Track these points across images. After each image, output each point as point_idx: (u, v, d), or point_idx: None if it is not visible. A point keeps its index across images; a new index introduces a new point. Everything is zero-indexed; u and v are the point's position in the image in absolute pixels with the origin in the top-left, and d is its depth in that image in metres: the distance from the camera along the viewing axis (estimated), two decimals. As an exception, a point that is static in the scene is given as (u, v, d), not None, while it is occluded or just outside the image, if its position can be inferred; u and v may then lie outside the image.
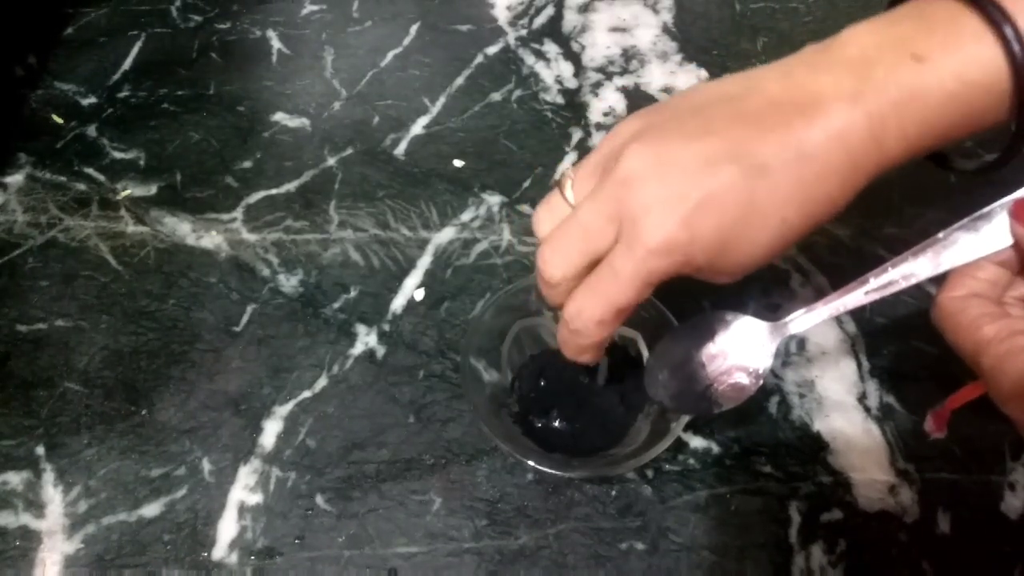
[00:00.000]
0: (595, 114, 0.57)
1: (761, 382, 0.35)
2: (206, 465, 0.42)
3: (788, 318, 0.35)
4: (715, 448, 0.42)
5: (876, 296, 0.33)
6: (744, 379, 0.36)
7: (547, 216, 0.35)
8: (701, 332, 0.37)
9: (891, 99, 0.29)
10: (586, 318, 0.32)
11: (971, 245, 0.31)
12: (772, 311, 0.46)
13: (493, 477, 0.41)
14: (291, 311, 0.48)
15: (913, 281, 0.32)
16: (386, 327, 0.47)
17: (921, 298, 0.46)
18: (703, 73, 0.59)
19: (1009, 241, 0.31)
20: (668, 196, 0.30)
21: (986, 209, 0.31)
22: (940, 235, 0.32)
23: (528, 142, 0.56)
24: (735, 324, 0.36)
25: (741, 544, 0.39)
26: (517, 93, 0.59)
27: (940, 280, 0.32)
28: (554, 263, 0.33)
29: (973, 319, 0.30)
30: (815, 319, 0.34)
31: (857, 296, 0.33)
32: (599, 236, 0.32)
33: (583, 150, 0.55)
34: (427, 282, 0.49)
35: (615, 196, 0.31)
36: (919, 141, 0.30)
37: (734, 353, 0.36)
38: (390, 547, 0.39)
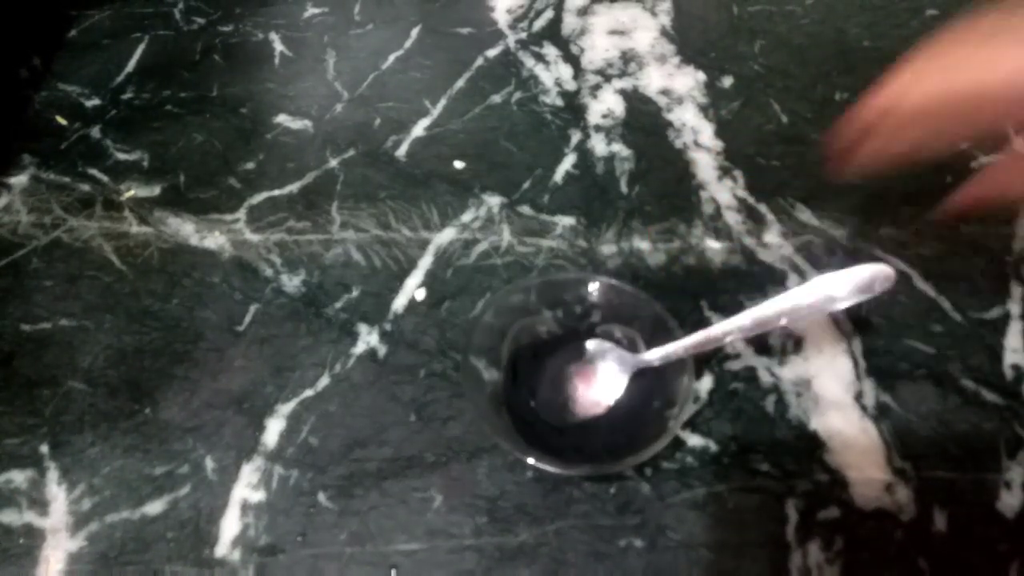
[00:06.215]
0: (594, 116, 0.58)
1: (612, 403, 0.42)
2: (209, 463, 0.42)
3: (646, 354, 0.41)
4: (713, 446, 0.42)
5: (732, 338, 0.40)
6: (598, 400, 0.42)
7: None
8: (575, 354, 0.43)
9: None
10: None
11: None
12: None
13: (493, 475, 0.41)
14: (293, 311, 0.48)
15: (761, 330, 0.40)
16: (388, 326, 0.47)
17: (916, 298, 0.46)
18: (701, 76, 0.59)
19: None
20: None
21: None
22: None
23: (528, 144, 0.56)
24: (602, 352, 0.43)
25: (739, 541, 0.39)
26: (517, 95, 0.59)
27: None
28: None
29: None
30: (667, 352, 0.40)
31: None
32: None
33: (582, 152, 0.55)
34: (428, 282, 0.49)
35: None
36: None
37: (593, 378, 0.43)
38: (391, 544, 0.39)
